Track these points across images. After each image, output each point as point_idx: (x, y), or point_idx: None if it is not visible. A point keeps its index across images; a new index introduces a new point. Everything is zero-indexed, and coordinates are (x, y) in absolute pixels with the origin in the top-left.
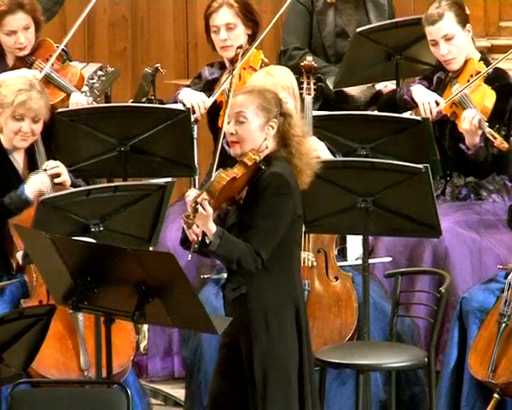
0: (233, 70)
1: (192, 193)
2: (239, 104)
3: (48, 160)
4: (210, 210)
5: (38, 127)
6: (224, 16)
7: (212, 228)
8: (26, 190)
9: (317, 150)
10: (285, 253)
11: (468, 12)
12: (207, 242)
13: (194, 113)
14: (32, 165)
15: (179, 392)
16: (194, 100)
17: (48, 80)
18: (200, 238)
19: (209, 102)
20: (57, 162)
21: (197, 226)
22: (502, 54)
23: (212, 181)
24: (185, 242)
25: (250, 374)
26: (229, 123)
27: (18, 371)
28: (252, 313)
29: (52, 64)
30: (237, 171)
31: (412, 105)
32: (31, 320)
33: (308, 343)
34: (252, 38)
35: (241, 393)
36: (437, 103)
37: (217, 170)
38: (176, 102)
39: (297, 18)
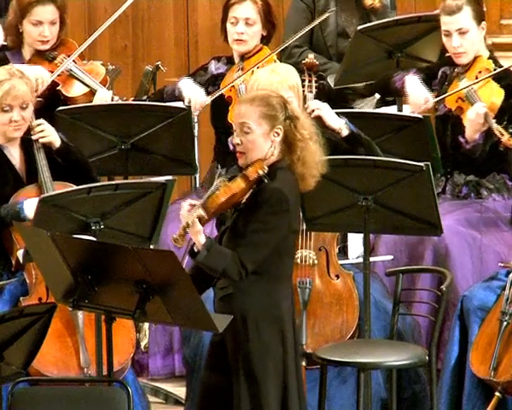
0: (248, 70)
1: (186, 206)
2: (242, 114)
3: (44, 153)
4: (201, 228)
5: (28, 113)
6: (247, 10)
7: (202, 240)
8: (25, 209)
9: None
10: (274, 262)
11: (484, 9)
12: (195, 251)
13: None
14: (29, 160)
15: (180, 390)
16: (193, 96)
17: (71, 75)
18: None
19: (207, 101)
20: (42, 126)
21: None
22: (503, 52)
23: (209, 196)
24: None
25: (234, 370)
26: (233, 132)
27: (18, 370)
28: (235, 314)
29: (75, 61)
30: (236, 187)
31: (401, 94)
32: (31, 318)
33: (297, 356)
34: (266, 39)
35: (230, 388)
36: (425, 101)
37: (222, 166)
38: (175, 90)
39: (298, 16)
